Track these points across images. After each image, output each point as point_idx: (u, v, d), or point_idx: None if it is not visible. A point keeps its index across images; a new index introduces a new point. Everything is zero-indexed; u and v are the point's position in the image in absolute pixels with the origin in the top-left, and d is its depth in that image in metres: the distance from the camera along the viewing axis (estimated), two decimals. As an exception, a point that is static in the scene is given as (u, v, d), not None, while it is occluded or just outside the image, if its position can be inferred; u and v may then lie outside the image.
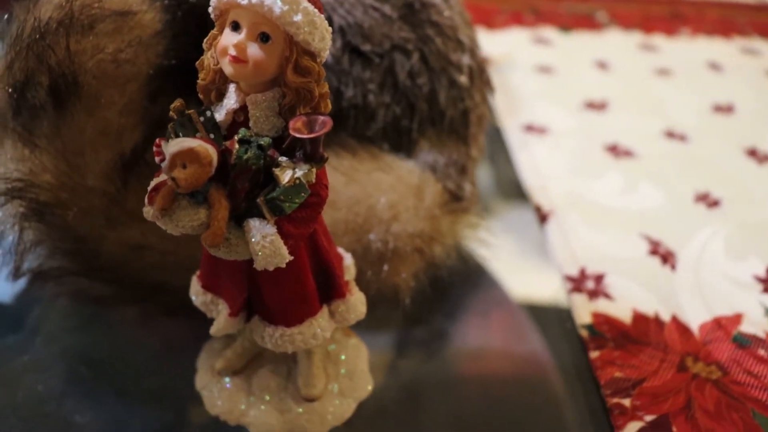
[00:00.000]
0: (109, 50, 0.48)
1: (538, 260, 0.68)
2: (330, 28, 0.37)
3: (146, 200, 0.36)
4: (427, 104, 0.58)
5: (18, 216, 0.50)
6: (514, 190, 0.78)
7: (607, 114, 0.98)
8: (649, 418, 0.51)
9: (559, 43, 1.24)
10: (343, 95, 0.56)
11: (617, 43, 1.26)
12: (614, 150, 0.87)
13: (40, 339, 0.57)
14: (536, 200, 0.75)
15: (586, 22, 1.35)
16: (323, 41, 0.36)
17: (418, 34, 0.58)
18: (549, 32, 1.28)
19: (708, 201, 0.78)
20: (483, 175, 0.77)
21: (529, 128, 0.91)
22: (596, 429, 0.51)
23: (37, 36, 0.47)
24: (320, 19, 0.36)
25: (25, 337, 0.56)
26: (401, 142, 0.58)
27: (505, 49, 1.17)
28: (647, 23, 1.36)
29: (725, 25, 1.38)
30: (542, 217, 0.73)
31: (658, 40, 1.28)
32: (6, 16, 0.50)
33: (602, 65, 1.14)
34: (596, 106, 0.99)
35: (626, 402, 0.52)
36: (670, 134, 0.92)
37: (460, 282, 0.62)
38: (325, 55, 0.37)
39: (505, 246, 0.68)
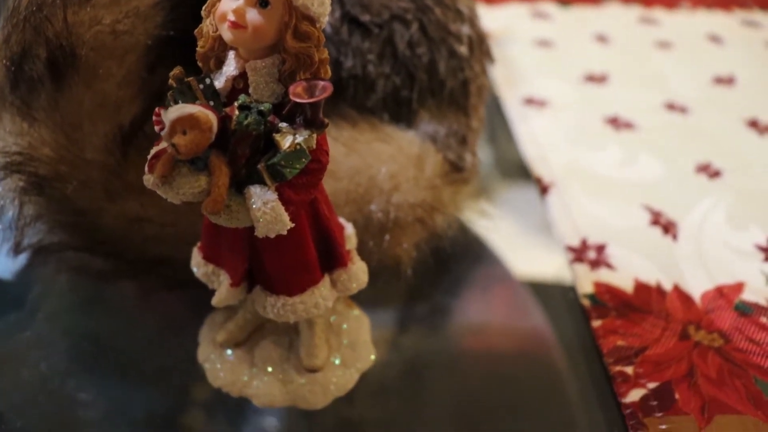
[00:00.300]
0: (107, 21, 0.48)
1: (539, 233, 0.68)
2: None
3: (146, 168, 0.36)
4: (427, 74, 0.58)
5: (17, 190, 0.49)
6: (514, 164, 0.78)
7: (607, 87, 0.97)
8: (651, 385, 0.51)
9: (559, 17, 1.23)
10: (342, 66, 0.56)
11: (617, 17, 1.25)
12: (614, 122, 0.87)
13: (42, 316, 0.56)
14: (537, 172, 0.75)
15: None
16: (322, 6, 0.36)
17: (417, 4, 0.57)
18: (548, 6, 1.27)
19: (709, 171, 0.77)
20: (483, 148, 0.77)
21: (529, 101, 0.90)
22: (599, 397, 0.51)
23: (34, 8, 0.47)
24: None
25: (27, 314, 0.56)
26: (401, 113, 0.58)
27: (504, 24, 1.17)
28: None
29: None
30: (543, 189, 0.72)
31: (658, 13, 1.27)
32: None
33: (602, 39, 1.13)
34: (596, 79, 0.98)
35: (629, 370, 0.52)
36: (671, 106, 0.92)
37: (461, 255, 0.62)
38: (325, 20, 0.37)
39: (506, 219, 0.68)
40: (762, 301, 0.59)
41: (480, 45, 0.62)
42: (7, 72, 0.48)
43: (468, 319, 0.59)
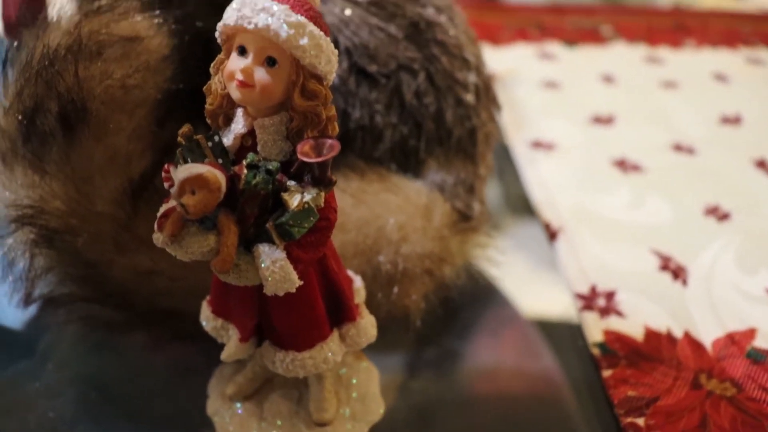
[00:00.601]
0: (117, 76, 0.49)
1: (548, 276, 0.68)
2: (336, 51, 0.37)
3: (155, 226, 0.36)
4: (434, 123, 0.58)
5: (28, 243, 0.50)
6: (522, 207, 0.79)
7: (614, 128, 0.98)
8: None
9: (565, 57, 1.24)
10: (350, 116, 0.56)
11: (622, 57, 1.26)
12: (622, 164, 0.87)
13: (51, 365, 0.56)
14: (545, 217, 0.75)
15: (592, 36, 1.35)
16: (330, 64, 0.36)
17: (424, 54, 0.58)
18: (554, 47, 1.29)
19: (718, 214, 0.77)
20: (491, 191, 0.77)
21: (536, 144, 0.91)
22: None
23: (46, 63, 0.48)
24: (326, 42, 0.36)
25: (37, 363, 0.56)
26: (409, 162, 0.58)
27: (511, 65, 1.18)
28: (652, 36, 1.36)
29: (730, 36, 1.38)
30: (551, 234, 0.72)
31: (664, 52, 1.28)
32: (15, 44, 0.51)
33: (608, 79, 1.15)
34: (603, 120, 0.99)
35: (640, 421, 0.51)
36: (678, 147, 0.92)
37: (470, 301, 0.62)
38: (332, 77, 0.37)
39: (514, 263, 0.68)
40: None
41: (487, 92, 0.62)
42: (19, 125, 0.49)
43: (477, 363, 0.59)
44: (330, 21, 0.56)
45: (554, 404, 0.55)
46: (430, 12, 0.59)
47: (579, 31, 1.37)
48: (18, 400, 0.52)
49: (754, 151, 0.92)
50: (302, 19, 0.35)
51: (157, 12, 0.51)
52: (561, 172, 0.86)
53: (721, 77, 1.17)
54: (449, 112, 0.58)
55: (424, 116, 0.58)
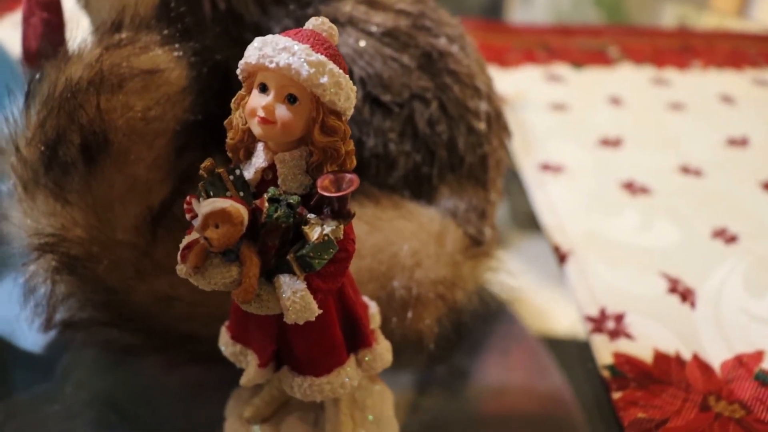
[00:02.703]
0: (138, 108, 0.50)
1: (557, 299, 0.69)
2: (354, 87, 0.38)
3: (179, 258, 0.37)
4: (447, 151, 0.59)
5: (50, 270, 0.51)
6: (532, 230, 0.80)
7: (622, 150, 0.99)
8: None
9: (572, 79, 1.26)
10: (364, 145, 0.58)
11: (629, 78, 1.27)
12: (630, 187, 0.88)
13: (69, 387, 0.58)
14: (554, 240, 0.76)
15: (599, 58, 1.37)
16: (348, 101, 0.37)
17: (437, 83, 0.59)
18: (561, 69, 1.30)
19: (725, 236, 0.78)
20: (501, 215, 0.78)
21: (545, 167, 0.92)
22: None
23: (69, 95, 0.49)
24: (345, 80, 0.37)
25: (56, 385, 0.58)
26: (422, 189, 0.60)
27: (519, 87, 1.19)
28: (659, 57, 1.38)
29: (736, 57, 1.40)
30: (561, 257, 0.73)
31: (670, 73, 1.30)
32: (38, 75, 0.52)
33: (615, 101, 1.16)
34: (611, 143, 1.00)
35: None
36: (685, 169, 0.93)
37: (482, 324, 0.63)
38: (350, 113, 0.38)
39: (525, 286, 0.69)
40: None
41: (498, 120, 0.64)
42: (41, 155, 0.50)
43: (488, 383, 0.60)
44: (345, 52, 0.58)
45: (563, 425, 0.56)
46: (442, 42, 0.60)
47: (586, 53, 1.39)
48: (36, 421, 0.54)
49: (760, 174, 0.93)
50: (322, 58, 0.36)
51: (177, 45, 0.52)
52: (569, 195, 0.87)
53: (727, 99, 1.18)
54: (461, 140, 0.60)
55: (437, 144, 0.59)
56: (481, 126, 0.61)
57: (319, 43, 0.37)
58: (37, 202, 0.51)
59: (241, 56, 0.38)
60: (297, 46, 0.36)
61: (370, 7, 0.60)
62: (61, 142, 0.49)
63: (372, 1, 0.60)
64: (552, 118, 1.09)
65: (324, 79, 0.36)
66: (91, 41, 0.52)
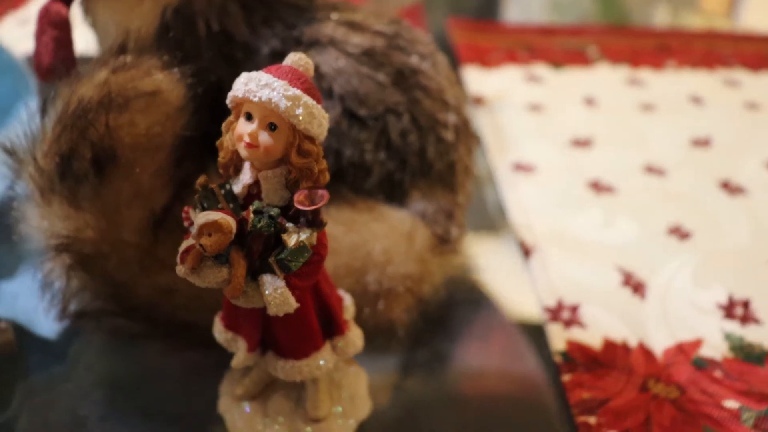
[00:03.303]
0: (142, 125, 0.56)
1: (521, 291, 0.75)
2: (327, 115, 0.45)
3: (178, 259, 0.44)
4: (418, 159, 0.65)
5: (65, 266, 0.58)
6: (501, 227, 0.86)
7: (592, 150, 1.04)
8: None
9: (551, 79, 1.30)
10: (342, 155, 0.63)
11: (605, 79, 1.31)
12: (596, 186, 0.94)
13: (80, 369, 0.64)
14: (520, 236, 0.83)
15: (578, 58, 1.40)
16: (321, 127, 0.44)
17: (408, 97, 0.65)
18: (541, 69, 1.34)
19: (679, 233, 0.85)
20: (474, 212, 0.85)
21: (518, 167, 0.98)
22: None
23: (80, 113, 0.54)
24: (318, 110, 0.44)
25: (69, 367, 0.64)
26: (394, 194, 0.65)
27: (499, 88, 1.24)
28: (635, 57, 1.41)
29: (711, 57, 1.43)
30: (526, 252, 0.80)
31: (645, 74, 1.34)
32: (52, 93, 0.58)
33: (590, 101, 1.21)
34: (582, 143, 1.06)
35: (592, 420, 0.59)
36: (650, 169, 0.99)
37: (448, 314, 0.70)
38: (323, 137, 0.45)
39: (491, 279, 0.76)
40: (718, 357, 0.67)
41: (465, 130, 0.70)
42: (56, 166, 0.56)
43: (458, 366, 0.66)
44: (325, 71, 0.63)
45: (520, 405, 0.63)
46: (414, 60, 0.66)
47: (566, 53, 1.42)
48: (52, 399, 0.60)
49: (719, 173, 0.99)
50: (298, 92, 0.43)
51: (175, 69, 0.58)
52: (539, 193, 0.93)
53: (696, 100, 1.23)
54: (431, 149, 0.65)
55: (408, 153, 0.64)
56: (449, 136, 0.67)
57: (296, 78, 0.43)
58: (52, 207, 0.57)
59: (231, 76, 0.45)
60: (277, 83, 0.42)
61: (350, 28, 0.66)
62: (74, 156, 0.55)
63: (351, 23, 0.66)
64: (528, 118, 1.14)
65: (299, 111, 0.42)
66: (99, 63, 0.58)
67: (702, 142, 1.08)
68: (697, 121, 1.16)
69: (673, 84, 1.30)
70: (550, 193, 0.93)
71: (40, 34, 0.66)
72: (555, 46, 1.46)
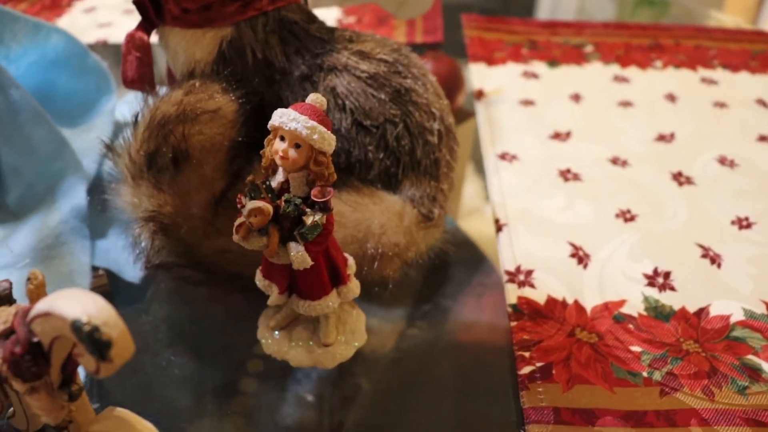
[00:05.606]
0: (207, 133, 0.71)
1: (487, 260, 0.93)
2: (334, 136, 0.64)
3: (234, 231, 0.64)
4: (409, 158, 0.78)
5: (150, 231, 0.72)
6: (482, 206, 1.02)
7: (568, 143, 1.15)
8: (539, 364, 0.73)
9: (546, 76, 1.36)
10: (351, 154, 0.78)
11: (596, 76, 1.36)
12: (565, 174, 1.07)
13: (155, 305, 0.80)
14: (496, 214, 0.98)
15: (575, 56, 1.44)
16: (330, 145, 0.62)
17: (403, 111, 0.79)
18: (539, 66, 1.39)
19: (626, 216, 0.99)
20: (463, 195, 1.03)
21: (503, 156, 1.11)
22: (507, 370, 0.77)
23: (162, 123, 0.72)
24: (328, 134, 0.62)
25: (146, 303, 0.80)
26: (390, 183, 0.79)
27: (498, 84, 1.34)
28: (626, 55, 1.43)
29: (697, 54, 1.45)
30: (498, 228, 0.97)
31: (631, 72, 1.38)
32: (141, 107, 0.79)
33: (576, 97, 1.28)
34: (561, 136, 1.17)
35: (526, 354, 0.76)
36: (615, 161, 1.10)
37: (429, 275, 0.88)
38: (332, 150, 0.64)
39: (466, 249, 0.95)
40: (634, 314, 0.82)
41: (448, 134, 0.87)
42: (145, 159, 0.74)
43: (461, 317, 0.85)
44: (341, 90, 0.79)
45: (484, 345, 0.81)
46: (408, 81, 0.82)
47: (566, 50, 1.46)
48: (135, 328, 0.74)
49: (674, 165, 1.10)
50: (315, 123, 0.61)
51: (231, 93, 0.79)
52: (516, 179, 1.03)
53: (671, 97, 1.29)
54: (419, 150, 0.80)
55: (402, 153, 0.78)
56: (434, 140, 0.82)
57: (313, 113, 0.63)
58: (141, 188, 0.71)
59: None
60: (300, 117, 0.61)
61: (360, 57, 0.83)
62: (158, 154, 0.69)
63: (362, 53, 0.84)
64: (520, 112, 1.22)
65: (316, 136, 0.61)
66: (176, 86, 0.78)
67: (666, 138, 1.17)
68: (666, 118, 1.22)
69: (653, 82, 1.35)
70: (526, 180, 1.03)
71: (126, 54, 0.83)
72: (556, 43, 1.51)
